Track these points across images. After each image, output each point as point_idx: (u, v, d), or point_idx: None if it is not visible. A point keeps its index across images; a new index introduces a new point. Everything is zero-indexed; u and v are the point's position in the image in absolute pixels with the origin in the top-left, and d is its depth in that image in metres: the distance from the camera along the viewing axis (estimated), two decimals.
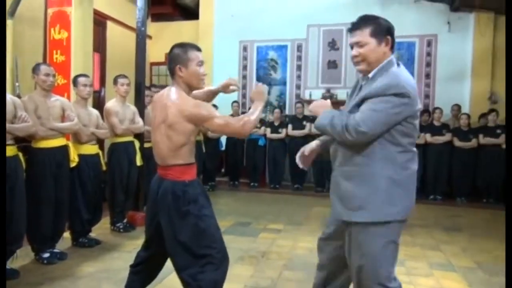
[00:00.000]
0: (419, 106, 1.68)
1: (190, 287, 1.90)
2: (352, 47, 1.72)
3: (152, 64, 8.34)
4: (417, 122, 1.68)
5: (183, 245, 1.90)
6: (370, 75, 1.68)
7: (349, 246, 1.71)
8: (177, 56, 1.96)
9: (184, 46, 1.98)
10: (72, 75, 4.31)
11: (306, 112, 6.83)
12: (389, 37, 1.67)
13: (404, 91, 1.57)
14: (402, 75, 1.64)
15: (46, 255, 3.10)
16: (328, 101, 1.81)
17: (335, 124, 1.62)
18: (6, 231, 2.61)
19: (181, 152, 1.93)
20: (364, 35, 1.65)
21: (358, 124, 1.56)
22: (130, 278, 2.22)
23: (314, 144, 1.95)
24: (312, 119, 6.53)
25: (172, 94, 1.94)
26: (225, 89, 2.29)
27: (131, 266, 2.23)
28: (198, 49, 1.99)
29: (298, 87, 7.47)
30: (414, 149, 1.70)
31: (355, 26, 1.69)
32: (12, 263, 2.93)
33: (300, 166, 1.95)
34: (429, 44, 7.00)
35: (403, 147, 1.63)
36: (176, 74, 1.96)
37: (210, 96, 2.36)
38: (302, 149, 1.94)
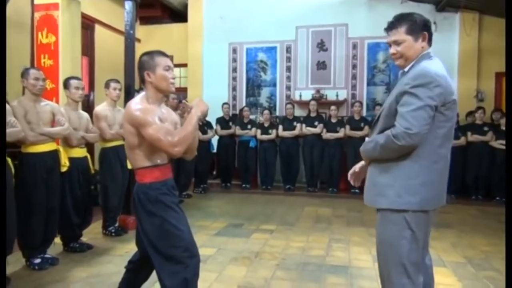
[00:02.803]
0: (453, 96, 1.66)
1: (162, 286, 1.95)
2: (390, 45, 1.78)
3: None
4: (450, 113, 1.65)
5: (153, 246, 1.94)
6: (406, 69, 1.73)
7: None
8: (145, 63, 2.01)
9: (151, 53, 2.04)
10: (61, 79, 4.28)
11: (297, 113, 6.89)
12: (425, 32, 1.71)
13: (429, 80, 1.59)
14: (430, 66, 1.65)
15: (37, 260, 3.07)
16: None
17: (382, 144, 1.66)
18: None
19: (138, 155, 1.97)
20: (400, 33, 1.71)
21: (407, 128, 1.57)
22: (123, 276, 2.27)
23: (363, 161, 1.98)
24: (302, 119, 6.57)
25: (134, 98, 2.02)
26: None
27: (127, 263, 2.27)
28: (165, 55, 2.04)
29: (288, 88, 7.51)
30: (446, 141, 1.68)
31: (391, 25, 1.74)
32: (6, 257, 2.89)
33: (352, 183, 2.02)
34: None
35: (433, 138, 1.63)
36: (145, 80, 2.00)
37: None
38: (353, 168, 2.00)
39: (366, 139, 1.82)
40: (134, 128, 1.91)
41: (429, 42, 1.73)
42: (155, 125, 1.87)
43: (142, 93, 2.02)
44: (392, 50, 1.74)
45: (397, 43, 1.72)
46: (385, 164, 1.70)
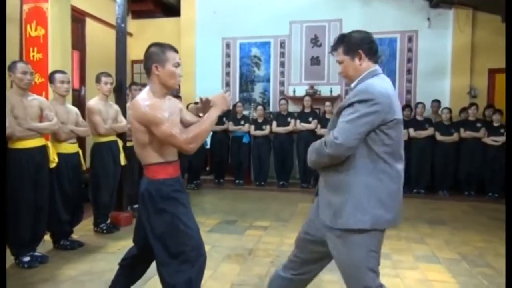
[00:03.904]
0: (396, 116, 1.63)
1: (165, 285, 1.93)
2: None
3: (134, 62, 8.20)
4: (393, 132, 1.63)
5: (160, 242, 1.92)
6: (352, 85, 1.76)
7: (332, 251, 1.74)
8: (155, 55, 1.95)
9: (162, 46, 1.98)
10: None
11: (291, 109, 6.85)
12: (360, 51, 1.72)
13: (369, 97, 1.58)
14: (375, 83, 1.65)
15: (27, 259, 3.01)
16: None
17: (317, 149, 1.69)
18: None
19: (149, 152, 1.94)
20: (339, 54, 1.78)
21: (335, 137, 1.59)
22: (116, 272, 2.23)
23: None
24: (296, 115, 6.54)
25: (140, 94, 1.97)
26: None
27: (121, 259, 2.23)
28: (176, 51, 1.99)
29: (281, 83, 7.46)
30: (393, 161, 1.65)
31: (333, 48, 1.82)
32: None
33: None
34: (410, 40, 7.09)
35: (377, 156, 1.63)
36: (152, 72, 1.95)
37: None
38: None
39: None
40: (144, 126, 1.87)
41: (372, 58, 1.74)
42: (167, 123, 1.85)
43: (147, 88, 1.98)
44: (339, 69, 1.82)
45: (339, 63, 1.79)
46: (337, 183, 1.68)
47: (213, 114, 1.93)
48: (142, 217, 1.99)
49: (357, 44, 1.73)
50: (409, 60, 7.08)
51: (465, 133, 6.02)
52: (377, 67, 1.75)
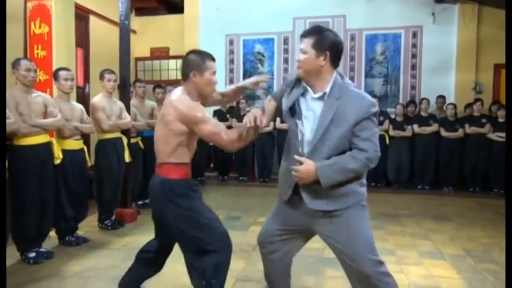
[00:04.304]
0: None
1: (194, 270, 2.01)
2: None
3: (137, 59, 8.22)
4: None
5: (185, 237, 2.01)
6: (327, 90, 1.74)
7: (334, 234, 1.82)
8: (194, 63, 2.01)
9: (202, 55, 2.05)
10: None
11: None
12: (328, 53, 1.72)
13: (377, 109, 1.76)
14: (363, 92, 1.78)
15: (32, 254, 3.03)
16: (306, 164, 1.74)
17: (354, 168, 1.71)
18: None
19: (175, 152, 1.99)
20: (307, 44, 1.74)
21: (376, 151, 1.72)
22: (132, 266, 2.30)
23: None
24: None
25: (176, 92, 2.03)
26: (254, 86, 2.30)
27: (138, 252, 2.30)
28: (213, 59, 2.06)
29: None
30: None
31: (303, 34, 1.79)
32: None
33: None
34: (414, 35, 7.04)
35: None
36: (190, 79, 2.01)
37: (238, 92, 2.43)
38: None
39: (312, 163, 1.73)
40: (184, 125, 1.93)
41: (334, 65, 1.76)
42: (212, 121, 1.96)
43: (181, 90, 2.03)
44: (298, 57, 1.80)
45: (302, 51, 1.77)
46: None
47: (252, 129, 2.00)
48: (160, 216, 2.06)
49: (328, 45, 1.72)
50: (414, 56, 7.03)
51: (470, 129, 5.98)
52: (335, 72, 1.78)
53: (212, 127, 1.93)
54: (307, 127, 1.79)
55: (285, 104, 1.85)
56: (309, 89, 1.81)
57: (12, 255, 3.06)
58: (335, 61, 1.76)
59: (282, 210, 1.96)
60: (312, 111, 1.78)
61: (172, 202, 1.97)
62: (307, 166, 1.73)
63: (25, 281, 2.69)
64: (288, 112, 1.84)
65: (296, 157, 1.76)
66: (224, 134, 1.94)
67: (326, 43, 1.72)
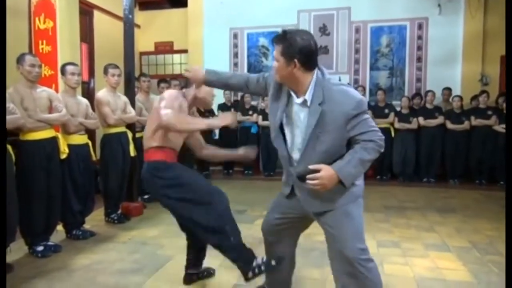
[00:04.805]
0: None
1: (201, 230, 2.18)
2: None
3: (142, 53, 8.22)
4: None
5: (178, 203, 2.19)
6: (306, 97, 1.70)
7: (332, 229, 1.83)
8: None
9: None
10: (59, 65, 4.21)
11: None
12: (296, 60, 1.64)
13: (365, 103, 1.73)
14: (349, 89, 1.72)
15: (40, 248, 3.07)
16: (325, 170, 1.68)
17: (370, 158, 1.70)
18: None
19: (154, 136, 2.23)
20: (277, 51, 1.70)
21: (380, 136, 1.72)
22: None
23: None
24: None
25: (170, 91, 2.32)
26: (241, 158, 2.58)
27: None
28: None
29: None
30: None
31: (274, 40, 1.73)
32: (6, 257, 2.89)
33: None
34: (420, 27, 6.97)
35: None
36: (192, 86, 2.33)
37: (219, 158, 2.90)
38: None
39: (330, 168, 1.68)
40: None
41: (308, 70, 1.69)
42: (172, 107, 2.15)
43: (182, 91, 2.36)
44: (274, 63, 1.75)
45: (275, 58, 1.72)
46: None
47: (214, 123, 2.30)
48: (155, 195, 2.31)
49: (295, 52, 1.64)
50: (419, 48, 6.97)
51: (476, 121, 5.93)
52: (315, 72, 1.71)
53: (167, 105, 2.11)
54: (295, 133, 1.78)
55: (274, 111, 1.82)
56: (292, 93, 1.78)
57: (20, 248, 3.11)
58: (307, 65, 1.67)
59: (281, 199, 2.01)
60: (298, 116, 1.77)
61: (156, 177, 2.17)
62: (326, 172, 1.66)
63: (33, 274, 2.72)
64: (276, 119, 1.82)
65: (311, 166, 1.68)
66: (176, 113, 2.10)
67: (294, 49, 1.64)
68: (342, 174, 1.66)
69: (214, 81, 2.07)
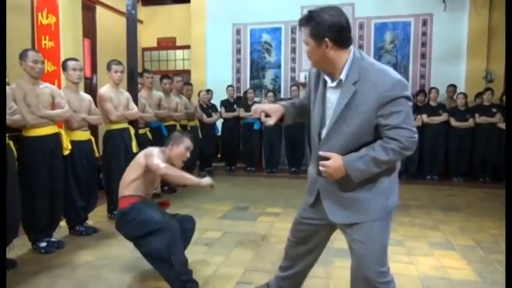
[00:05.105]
0: None
1: (156, 263, 2.42)
2: None
3: (144, 49, 8.20)
4: None
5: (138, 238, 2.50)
6: (342, 76, 1.56)
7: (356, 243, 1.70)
8: (174, 136, 2.62)
9: (182, 134, 2.65)
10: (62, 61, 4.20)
11: (302, 95, 6.77)
12: (327, 39, 1.52)
13: (405, 84, 1.56)
14: (388, 69, 1.57)
15: (43, 244, 3.07)
16: (333, 159, 1.59)
17: (386, 160, 1.54)
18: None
19: (131, 185, 2.54)
20: (306, 34, 1.57)
21: (410, 138, 1.53)
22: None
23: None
24: None
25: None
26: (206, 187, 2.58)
27: None
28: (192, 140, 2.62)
29: (293, 70, 7.39)
30: None
31: (300, 23, 1.62)
32: (9, 253, 2.89)
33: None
34: (424, 23, 6.92)
35: None
36: (168, 147, 2.59)
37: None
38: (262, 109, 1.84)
39: (340, 158, 1.58)
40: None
41: (342, 47, 1.55)
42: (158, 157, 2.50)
43: (162, 148, 2.59)
44: (304, 48, 1.63)
45: (304, 42, 1.60)
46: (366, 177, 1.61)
47: (194, 181, 2.47)
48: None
49: (324, 31, 1.52)
50: (424, 44, 6.92)
51: (480, 119, 5.89)
52: (352, 51, 1.58)
53: (160, 159, 2.45)
54: (327, 114, 1.65)
55: (313, 102, 1.71)
56: (327, 78, 1.64)
57: (24, 244, 3.11)
58: (340, 43, 1.54)
59: (306, 208, 1.88)
60: (330, 103, 1.64)
61: (126, 222, 2.52)
62: (335, 162, 1.58)
63: (36, 270, 2.72)
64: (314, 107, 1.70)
65: (321, 153, 1.61)
66: (171, 166, 2.47)
67: (323, 27, 1.51)
68: (350, 168, 1.56)
69: (292, 113, 1.88)
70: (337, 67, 1.58)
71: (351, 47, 1.59)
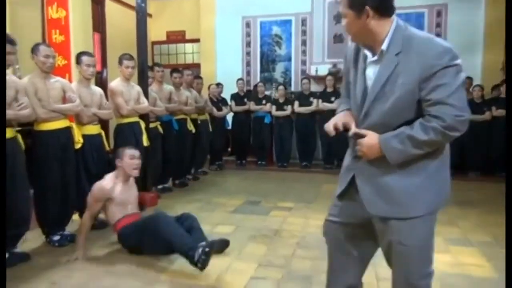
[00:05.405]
0: None
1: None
2: None
3: (154, 43, 8.17)
4: None
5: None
6: (383, 47, 1.40)
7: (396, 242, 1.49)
8: (117, 151, 2.96)
9: (123, 149, 2.96)
10: (73, 55, 4.19)
11: (313, 88, 6.69)
12: (368, 8, 1.37)
13: (454, 54, 1.34)
14: (436, 37, 1.40)
15: (57, 237, 3.08)
16: (368, 137, 1.44)
17: (425, 140, 1.35)
18: (11, 214, 2.61)
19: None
20: (343, 5, 1.44)
21: (459, 115, 1.32)
22: None
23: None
24: (319, 95, 6.39)
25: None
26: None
27: None
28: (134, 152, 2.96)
29: (303, 62, 7.29)
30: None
31: None
32: (22, 246, 2.91)
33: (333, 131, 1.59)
34: (438, 14, 6.75)
35: None
36: (116, 164, 2.90)
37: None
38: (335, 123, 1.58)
39: (375, 136, 1.42)
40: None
41: (385, 15, 1.40)
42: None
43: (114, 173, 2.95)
44: (343, 22, 1.49)
45: (342, 15, 1.46)
46: (412, 165, 1.41)
47: (79, 242, 2.85)
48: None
49: None
50: (438, 36, 6.74)
51: (497, 112, 5.74)
52: (395, 20, 1.42)
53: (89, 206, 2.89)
54: (368, 91, 1.48)
55: (354, 81, 1.53)
56: (367, 53, 1.49)
57: (38, 237, 3.12)
58: (382, 10, 1.39)
59: (338, 202, 1.65)
60: (370, 79, 1.47)
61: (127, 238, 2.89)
62: (369, 139, 1.43)
63: (50, 263, 2.73)
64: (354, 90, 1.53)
65: (356, 130, 1.47)
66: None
67: None
68: (385, 146, 1.39)
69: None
70: (378, 39, 1.42)
71: (394, 16, 1.43)
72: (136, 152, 2.92)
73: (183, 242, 2.54)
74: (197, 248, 2.45)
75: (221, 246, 2.84)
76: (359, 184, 1.51)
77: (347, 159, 1.62)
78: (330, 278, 1.73)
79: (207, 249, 2.43)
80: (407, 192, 1.42)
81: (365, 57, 1.50)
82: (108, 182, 2.88)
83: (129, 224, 2.84)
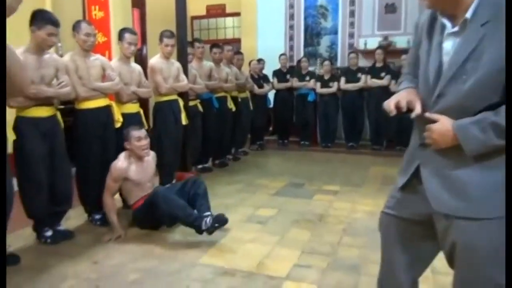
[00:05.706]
0: None
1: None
2: None
3: (193, 18, 8.03)
4: None
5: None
6: (467, 15, 1.17)
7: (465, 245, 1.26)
8: (124, 133, 2.90)
9: (128, 129, 2.91)
10: (112, 32, 4.13)
11: (361, 63, 6.26)
12: None
13: None
14: None
15: (98, 216, 3.09)
16: (441, 122, 1.21)
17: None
18: (53, 192, 2.69)
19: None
20: None
21: None
22: None
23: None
24: (367, 70, 5.97)
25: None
26: None
27: None
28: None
29: (351, 35, 6.81)
30: None
31: None
32: (66, 224, 2.96)
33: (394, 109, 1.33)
34: None
35: None
36: (125, 146, 2.91)
37: None
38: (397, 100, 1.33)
39: (449, 121, 1.19)
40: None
41: None
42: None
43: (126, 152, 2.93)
44: None
45: None
46: (488, 157, 1.17)
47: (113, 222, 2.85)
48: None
49: None
50: None
51: None
52: None
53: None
54: (443, 68, 1.25)
55: (426, 55, 1.30)
56: (446, 23, 1.25)
57: (81, 215, 3.16)
58: None
59: (397, 193, 1.42)
60: (448, 53, 1.22)
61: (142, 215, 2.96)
62: (442, 125, 1.20)
63: (92, 242, 2.75)
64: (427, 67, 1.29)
65: (427, 114, 1.25)
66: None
67: None
68: (461, 134, 1.17)
69: None
70: (462, 5, 1.20)
71: None
72: (142, 133, 2.88)
73: (186, 214, 2.66)
74: (202, 218, 2.65)
75: (222, 222, 2.73)
76: (424, 175, 1.29)
77: (412, 146, 1.38)
78: (383, 276, 1.53)
79: (211, 221, 2.63)
80: (483, 189, 1.19)
81: (443, 27, 1.25)
82: (122, 161, 2.88)
83: (140, 205, 2.88)
